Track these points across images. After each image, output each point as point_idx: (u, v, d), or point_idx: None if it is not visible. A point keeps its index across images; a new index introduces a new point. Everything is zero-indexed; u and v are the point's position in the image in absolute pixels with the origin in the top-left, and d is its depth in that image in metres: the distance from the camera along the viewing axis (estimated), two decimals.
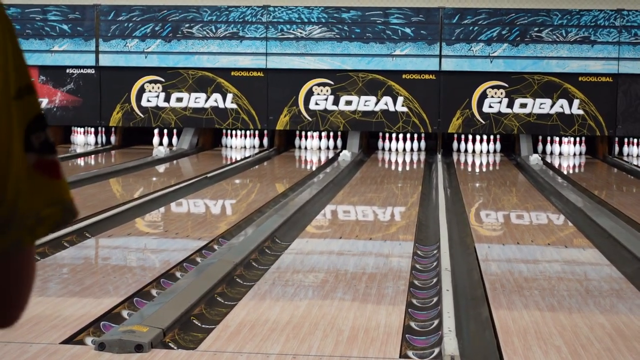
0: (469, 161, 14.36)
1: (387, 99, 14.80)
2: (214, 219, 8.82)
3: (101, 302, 5.27)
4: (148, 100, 15.14)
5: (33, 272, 1.10)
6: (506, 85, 14.72)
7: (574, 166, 14.11)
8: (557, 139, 15.05)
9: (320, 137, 15.27)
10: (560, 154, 15.01)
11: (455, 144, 15.19)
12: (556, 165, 13.79)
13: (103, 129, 15.61)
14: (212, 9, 14.97)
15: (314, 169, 13.28)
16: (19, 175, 1.03)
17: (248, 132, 15.43)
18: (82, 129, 15.60)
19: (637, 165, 13.64)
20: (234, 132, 15.46)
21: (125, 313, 5.09)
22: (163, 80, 15.13)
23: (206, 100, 15.08)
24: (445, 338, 4.47)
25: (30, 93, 1.07)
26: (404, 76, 14.79)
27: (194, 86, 15.08)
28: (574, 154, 15.00)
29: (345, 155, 13.57)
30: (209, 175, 11.41)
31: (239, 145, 15.42)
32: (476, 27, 14.69)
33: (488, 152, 15.07)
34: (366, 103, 14.85)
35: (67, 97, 15.24)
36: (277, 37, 14.90)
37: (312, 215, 8.70)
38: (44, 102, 15.14)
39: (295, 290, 5.75)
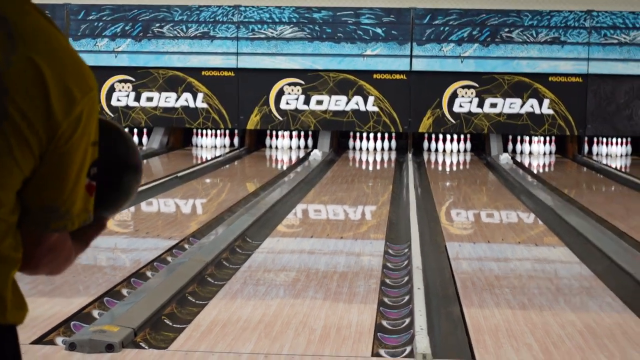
0: (440, 160, 14.40)
1: (358, 99, 14.82)
2: (184, 218, 8.79)
3: (71, 301, 5.23)
4: (118, 100, 15.07)
5: (69, 245, 1.79)
6: (476, 85, 14.77)
7: (544, 165, 14.18)
8: (527, 138, 15.13)
9: (291, 137, 15.26)
10: (530, 153, 15.09)
11: (425, 144, 15.22)
12: (526, 165, 13.85)
13: None
14: (183, 8, 14.92)
15: (284, 168, 13.26)
16: (79, 189, 1.71)
17: (219, 132, 15.39)
18: None
19: (606, 165, 13.73)
20: (204, 131, 15.41)
21: (95, 313, 5.06)
22: (133, 79, 15.06)
23: (177, 100, 15.03)
24: (417, 336, 4.47)
25: (96, 145, 1.72)
26: (374, 76, 14.80)
27: (164, 86, 15.02)
28: (544, 153, 15.08)
29: (316, 155, 13.57)
30: (179, 174, 11.37)
31: (210, 145, 15.38)
32: (447, 28, 14.74)
33: (458, 151, 15.12)
34: (337, 103, 14.85)
35: None
36: (248, 36, 14.88)
37: (283, 215, 8.69)
38: None
39: (266, 289, 5.74)
